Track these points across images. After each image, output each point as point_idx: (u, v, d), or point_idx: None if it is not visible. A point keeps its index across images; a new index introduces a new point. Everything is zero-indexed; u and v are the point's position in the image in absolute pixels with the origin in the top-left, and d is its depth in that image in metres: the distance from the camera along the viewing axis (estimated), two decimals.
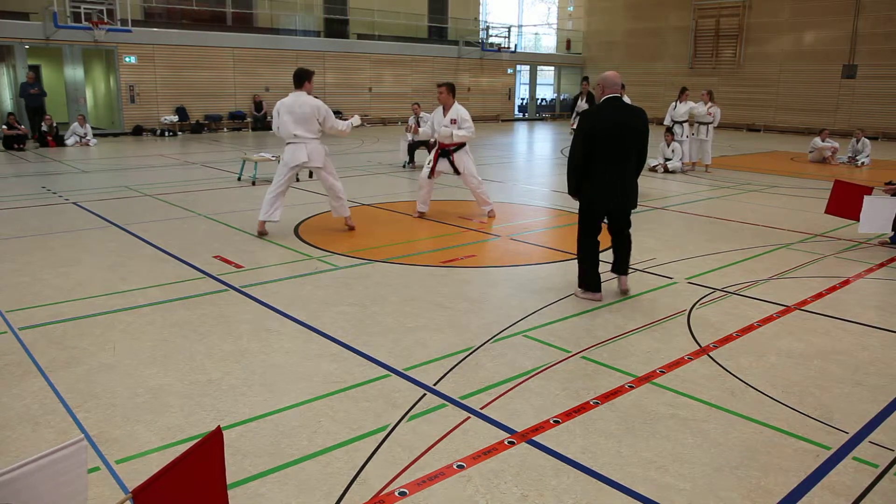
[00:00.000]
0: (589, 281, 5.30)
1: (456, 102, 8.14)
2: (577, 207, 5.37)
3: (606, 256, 5.54)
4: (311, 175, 7.41)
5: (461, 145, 8.18)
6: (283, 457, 3.05)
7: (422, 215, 8.40)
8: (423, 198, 8.38)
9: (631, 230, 5.48)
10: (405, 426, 3.33)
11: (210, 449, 2.21)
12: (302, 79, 7.01)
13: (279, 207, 7.25)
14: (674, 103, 13.27)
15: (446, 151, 8.19)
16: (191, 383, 3.78)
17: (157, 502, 2.01)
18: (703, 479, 2.93)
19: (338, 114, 22.87)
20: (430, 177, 8.23)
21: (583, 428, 3.33)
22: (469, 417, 3.42)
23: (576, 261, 5.29)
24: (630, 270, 5.63)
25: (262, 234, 7.28)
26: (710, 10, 25.93)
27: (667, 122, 13.41)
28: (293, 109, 6.98)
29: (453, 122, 8.01)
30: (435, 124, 8.17)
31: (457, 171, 8.19)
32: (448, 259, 6.48)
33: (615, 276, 5.54)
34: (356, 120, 7.58)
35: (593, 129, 5.01)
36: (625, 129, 5.06)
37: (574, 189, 5.26)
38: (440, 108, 8.16)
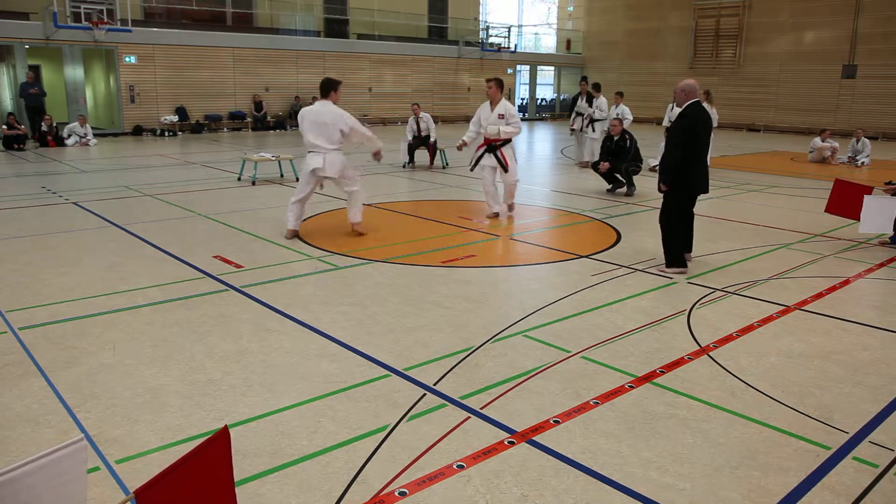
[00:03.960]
0: (680, 257, 6.07)
1: (504, 99, 8.12)
2: (670, 194, 6.01)
3: (610, 255, 5.53)
4: (321, 186, 7.47)
5: (506, 141, 8.20)
6: (283, 457, 3.05)
7: (496, 216, 8.36)
8: (492, 196, 8.36)
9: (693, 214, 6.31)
10: (405, 426, 3.33)
11: (216, 449, 2.19)
12: (328, 88, 7.00)
13: (300, 214, 7.28)
14: (671, 104, 13.30)
15: (493, 147, 8.17)
16: (191, 383, 3.78)
17: (160, 503, 2.00)
18: (703, 479, 2.93)
19: None
20: (472, 169, 8.37)
21: (583, 428, 3.33)
22: (469, 417, 3.42)
23: (575, 261, 5.29)
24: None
25: (294, 237, 7.23)
26: (710, 10, 25.92)
27: (665, 122, 13.46)
28: (315, 118, 6.97)
29: (501, 116, 8.01)
30: (481, 119, 8.16)
31: (504, 168, 8.15)
32: (448, 259, 6.48)
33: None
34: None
35: (698, 128, 5.89)
36: (709, 127, 6.15)
37: (670, 179, 5.93)
38: (486, 104, 8.17)
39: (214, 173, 12.10)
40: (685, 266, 6.09)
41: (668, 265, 6.09)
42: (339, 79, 7.34)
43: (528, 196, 10.32)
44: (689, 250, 6.37)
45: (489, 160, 8.20)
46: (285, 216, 7.32)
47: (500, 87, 8.09)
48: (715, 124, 13.19)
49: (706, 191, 6.18)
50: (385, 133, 20.80)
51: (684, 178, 5.94)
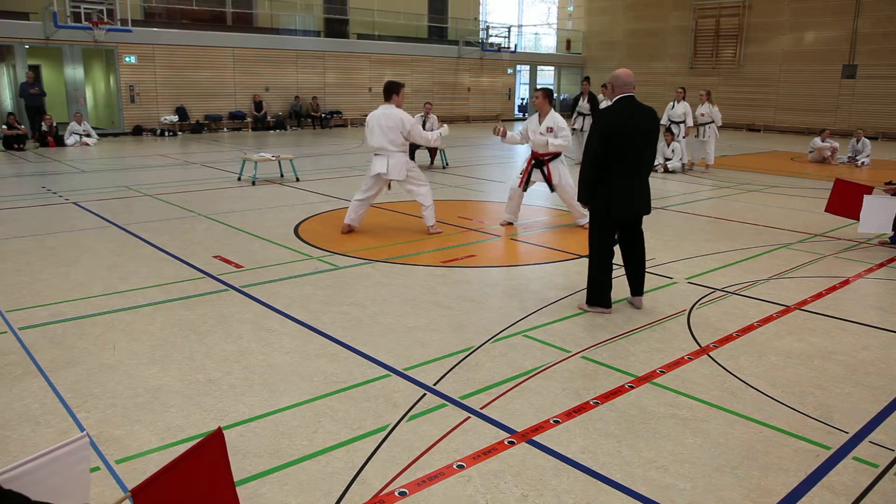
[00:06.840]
0: (602, 296, 4.94)
1: (552, 110, 7.68)
2: (590, 215, 5.02)
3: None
4: (389, 186, 7.54)
5: (556, 155, 7.75)
6: (283, 457, 3.06)
7: (509, 224, 8.01)
8: (512, 208, 7.98)
9: (641, 242, 5.12)
10: (405, 426, 3.33)
11: (211, 450, 2.20)
12: (390, 92, 7.22)
13: (363, 213, 7.52)
14: (671, 103, 13.39)
15: (540, 161, 7.73)
16: (191, 383, 3.78)
17: (157, 502, 2.02)
18: (703, 479, 2.93)
19: (338, 114, 22.94)
20: (520, 187, 7.83)
21: (583, 428, 3.34)
22: (469, 417, 3.42)
23: (575, 261, 5.26)
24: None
25: (348, 231, 7.53)
26: (710, 10, 25.92)
27: (664, 121, 13.53)
28: (380, 122, 7.14)
29: (549, 129, 7.57)
30: (529, 131, 7.77)
31: (551, 185, 7.72)
32: (448, 259, 6.48)
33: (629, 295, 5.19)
34: (445, 130, 7.66)
35: (610, 130, 4.71)
36: (639, 131, 4.78)
37: (588, 195, 4.88)
38: (535, 116, 7.80)
39: (214, 173, 12.10)
40: (609, 306, 4.94)
41: (588, 302, 5.00)
42: (402, 82, 7.50)
43: (528, 196, 10.31)
44: (640, 294, 5.10)
45: (537, 176, 7.77)
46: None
47: (547, 98, 7.65)
48: (720, 123, 13.30)
49: (636, 212, 4.91)
50: None
51: (602, 194, 4.80)
